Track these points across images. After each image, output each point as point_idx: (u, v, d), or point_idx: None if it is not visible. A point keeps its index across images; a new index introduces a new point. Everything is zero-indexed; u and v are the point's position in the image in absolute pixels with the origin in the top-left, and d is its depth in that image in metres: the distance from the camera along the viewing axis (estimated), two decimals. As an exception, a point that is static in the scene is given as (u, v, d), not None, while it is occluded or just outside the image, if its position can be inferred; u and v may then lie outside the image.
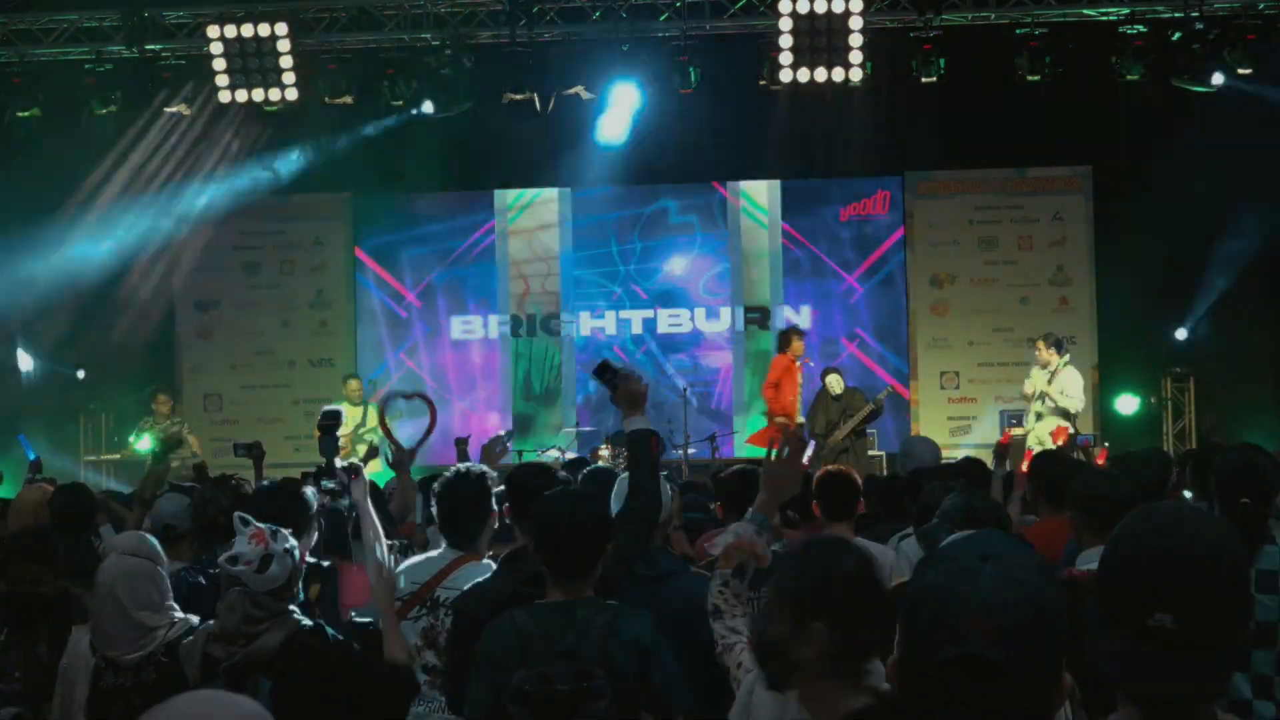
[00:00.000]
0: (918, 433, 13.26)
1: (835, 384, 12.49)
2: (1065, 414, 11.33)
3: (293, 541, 3.58)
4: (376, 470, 8.33)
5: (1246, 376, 12.93)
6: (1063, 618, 1.60)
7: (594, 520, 3.40)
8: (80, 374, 13.80)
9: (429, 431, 5.97)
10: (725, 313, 14.74)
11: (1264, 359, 13.06)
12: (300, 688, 3.36)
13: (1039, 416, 11.47)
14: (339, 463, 4.86)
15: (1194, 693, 1.75)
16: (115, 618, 3.81)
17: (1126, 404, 13.48)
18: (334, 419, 4.57)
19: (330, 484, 4.37)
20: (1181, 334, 13.52)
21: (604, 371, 3.97)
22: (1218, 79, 11.67)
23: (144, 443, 12.63)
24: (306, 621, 3.52)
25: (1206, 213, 12.85)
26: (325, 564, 4.36)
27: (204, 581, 4.42)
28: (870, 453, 12.65)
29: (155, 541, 4.03)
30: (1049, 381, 11.46)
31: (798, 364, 12.29)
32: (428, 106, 12.49)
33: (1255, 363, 13.06)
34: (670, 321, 14.76)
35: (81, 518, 5.47)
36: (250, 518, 3.55)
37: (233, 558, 3.46)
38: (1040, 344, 11.67)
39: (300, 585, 3.62)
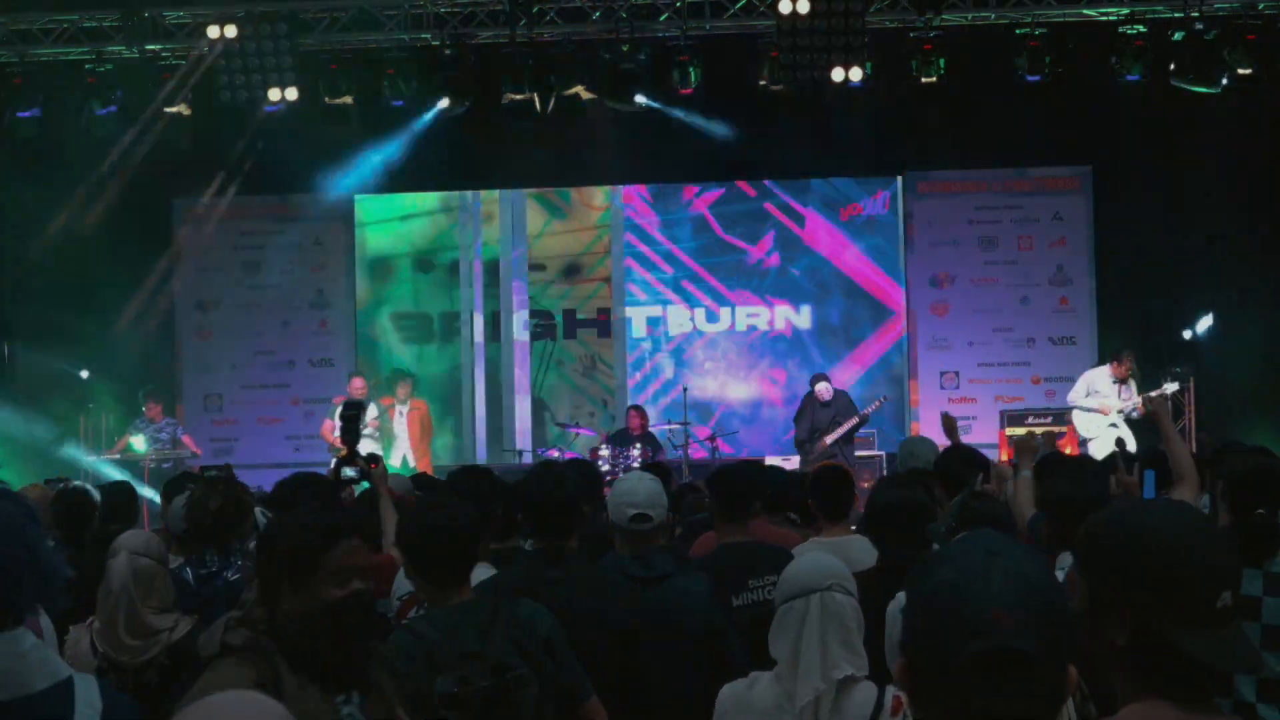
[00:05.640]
0: (918, 433, 13.27)
1: (825, 391, 12.51)
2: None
3: None
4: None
5: (1247, 376, 12.91)
6: (1066, 608, 1.63)
7: (467, 524, 3.37)
8: (84, 374, 13.78)
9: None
10: (725, 313, 14.74)
11: (1265, 359, 13.04)
12: None
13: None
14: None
15: (1254, 664, 1.84)
16: (129, 619, 3.79)
17: (1126, 404, 13.48)
18: (357, 409, 4.61)
19: (352, 471, 4.39)
20: (1187, 334, 13.50)
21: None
22: (1197, 77, 11.70)
23: (140, 442, 12.66)
24: None
25: (1206, 212, 12.86)
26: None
27: (190, 582, 4.40)
28: (859, 453, 12.65)
29: (159, 542, 4.04)
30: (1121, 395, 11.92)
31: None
32: (429, 106, 12.50)
33: (1255, 362, 13.04)
34: (675, 322, 14.76)
35: (83, 520, 5.46)
36: (269, 513, 3.56)
37: None
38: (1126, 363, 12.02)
39: None
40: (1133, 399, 11.87)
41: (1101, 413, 11.95)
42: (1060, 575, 4.05)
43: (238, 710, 1.68)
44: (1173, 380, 11.73)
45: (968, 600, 1.56)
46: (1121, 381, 12.00)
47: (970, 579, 1.57)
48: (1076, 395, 12.18)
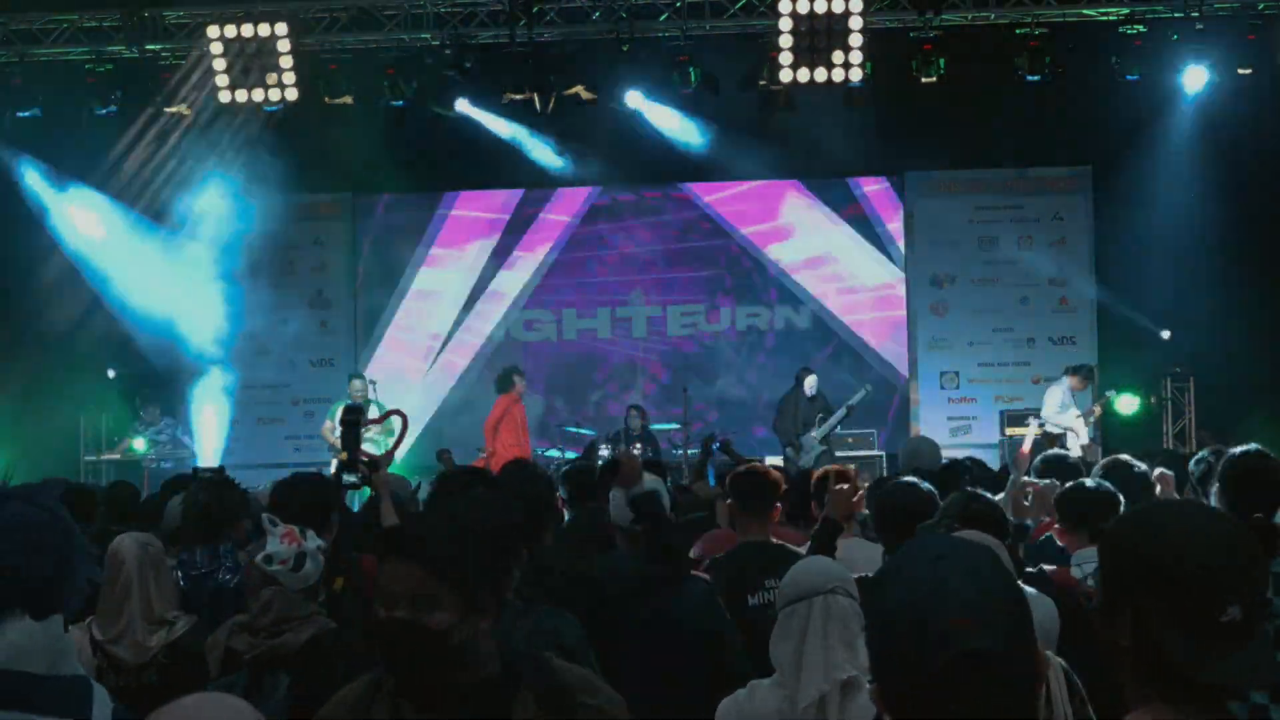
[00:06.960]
0: (918, 433, 13.27)
1: (811, 385, 12.58)
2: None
3: (320, 541, 3.57)
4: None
5: (1246, 377, 12.91)
6: (1023, 595, 1.64)
7: (500, 528, 3.30)
8: (111, 373, 13.76)
9: (397, 443, 5.70)
10: (725, 313, 14.75)
11: (1264, 359, 13.05)
12: (321, 687, 3.34)
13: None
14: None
15: (1268, 679, 1.78)
16: (143, 603, 3.77)
17: (1126, 404, 13.46)
18: (357, 414, 4.60)
19: (352, 477, 4.38)
20: (1166, 334, 13.48)
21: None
22: (1199, 77, 11.72)
23: (141, 444, 12.66)
24: (332, 624, 3.50)
25: (1205, 212, 12.86)
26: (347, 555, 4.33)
27: (181, 583, 4.39)
28: (860, 454, 12.61)
29: (157, 539, 4.05)
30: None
31: (521, 403, 12.31)
32: (428, 107, 12.50)
33: (1255, 362, 13.04)
34: (675, 322, 14.76)
35: (85, 519, 5.46)
36: (278, 519, 3.53)
37: (268, 557, 3.43)
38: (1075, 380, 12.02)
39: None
40: (1088, 407, 12.16)
41: (1072, 430, 12.02)
42: (1076, 572, 4.03)
43: (210, 712, 1.70)
44: (1113, 389, 11.90)
45: (924, 615, 1.56)
46: (1077, 394, 12.13)
47: (922, 594, 1.57)
48: (1051, 410, 12.09)
